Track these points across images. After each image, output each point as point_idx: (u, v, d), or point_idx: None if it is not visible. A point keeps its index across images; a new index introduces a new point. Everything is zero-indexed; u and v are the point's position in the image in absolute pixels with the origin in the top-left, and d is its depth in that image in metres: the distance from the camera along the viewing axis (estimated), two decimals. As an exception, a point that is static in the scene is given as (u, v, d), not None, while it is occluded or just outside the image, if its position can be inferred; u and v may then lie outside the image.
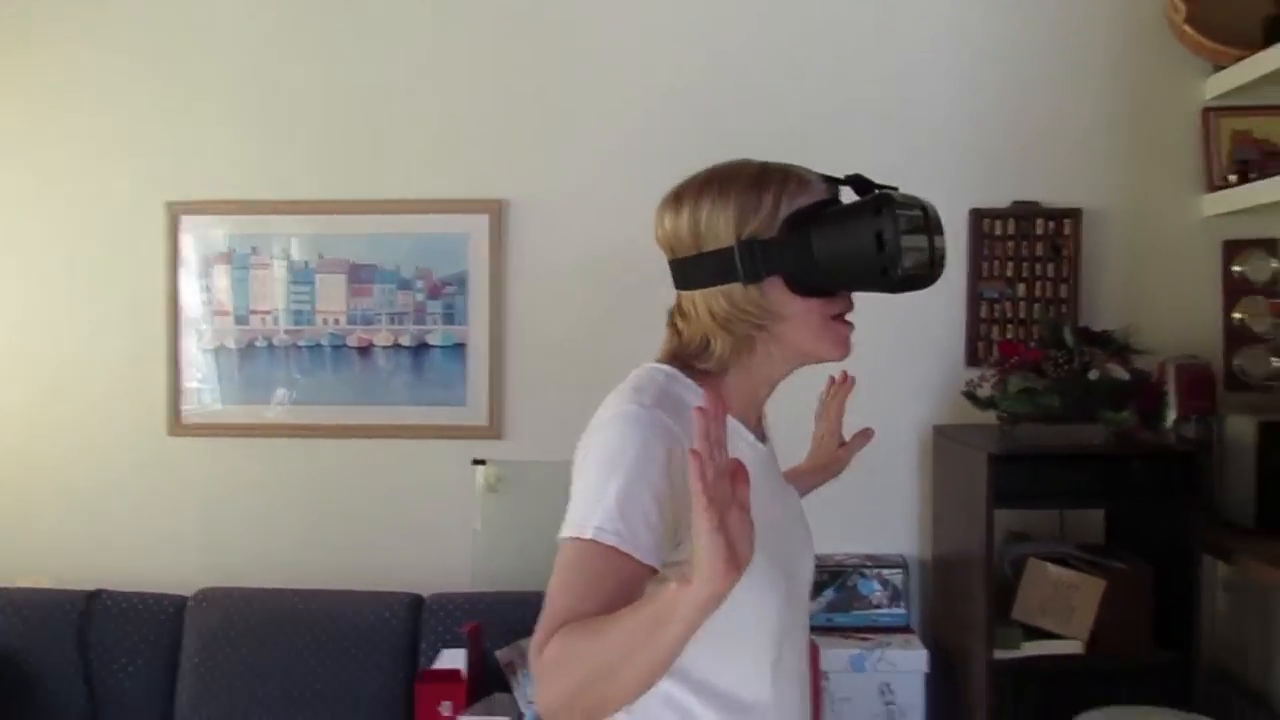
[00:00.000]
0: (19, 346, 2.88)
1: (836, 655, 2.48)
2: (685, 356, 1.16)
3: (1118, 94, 2.72)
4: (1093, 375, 2.48)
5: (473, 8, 2.80)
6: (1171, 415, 2.52)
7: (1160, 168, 2.73)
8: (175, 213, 2.83)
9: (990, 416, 2.53)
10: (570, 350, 2.76)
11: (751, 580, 0.87)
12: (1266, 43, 2.45)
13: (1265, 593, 2.28)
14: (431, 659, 2.44)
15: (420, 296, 2.81)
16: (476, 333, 2.80)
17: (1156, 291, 2.72)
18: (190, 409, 2.84)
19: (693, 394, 1.10)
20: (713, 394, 0.90)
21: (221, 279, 2.84)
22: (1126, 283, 2.72)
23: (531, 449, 2.75)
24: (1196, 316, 2.70)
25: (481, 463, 2.76)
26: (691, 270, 1.14)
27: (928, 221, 1.09)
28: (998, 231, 2.73)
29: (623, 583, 0.97)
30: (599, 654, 0.91)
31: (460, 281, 2.80)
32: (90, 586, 2.66)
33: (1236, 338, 2.67)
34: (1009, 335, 2.71)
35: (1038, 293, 2.73)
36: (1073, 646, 2.35)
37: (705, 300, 1.13)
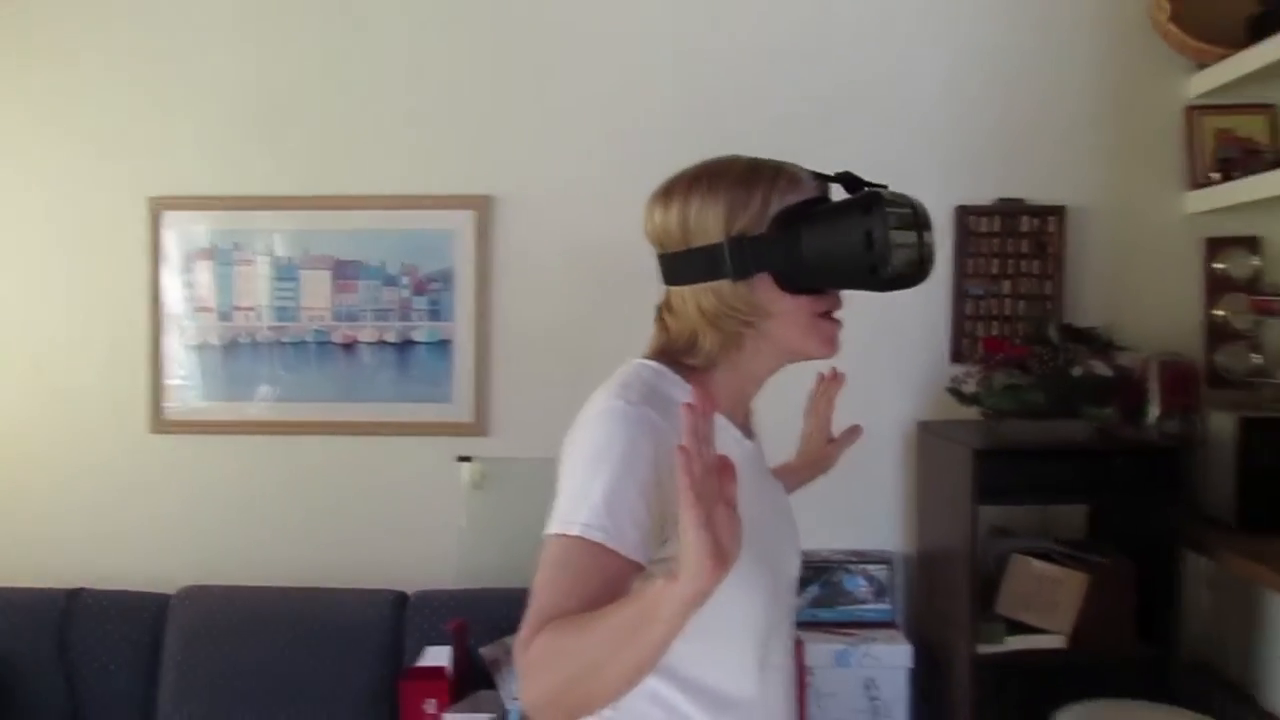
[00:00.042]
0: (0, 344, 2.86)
1: (821, 651, 2.49)
2: (673, 352, 1.15)
3: (1102, 92, 2.74)
4: (1076, 372, 2.50)
5: (458, 1, 2.79)
6: (1154, 412, 2.54)
7: (1143, 165, 2.74)
8: (157, 208, 2.80)
9: (975, 413, 2.54)
10: (556, 347, 2.76)
11: (737, 577, 0.86)
12: (1249, 41, 2.46)
13: (1245, 588, 2.30)
14: (416, 656, 2.43)
15: (405, 293, 2.80)
16: (462, 329, 2.79)
17: (1139, 288, 2.73)
18: (173, 406, 2.81)
19: (680, 390, 1.10)
20: (700, 390, 0.90)
21: (204, 275, 2.82)
22: (1110, 279, 2.74)
23: (517, 446, 2.74)
24: (1179, 313, 2.72)
25: (467, 460, 2.75)
26: (680, 266, 1.14)
27: (917, 220, 1.08)
28: (982, 229, 2.74)
29: (609, 579, 0.97)
30: (584, 651, 0.91)
31: (446, 278, 2.79)
32: (72, 585, 2.64)
33: (1218, 334, 2.70)
34: (994, 332, 2.72)
35: (1022, 289, 2.74)
36: (1055, 641, 2.36)
37: (694, 296, 1.13)
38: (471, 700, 2.26)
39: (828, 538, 2.68)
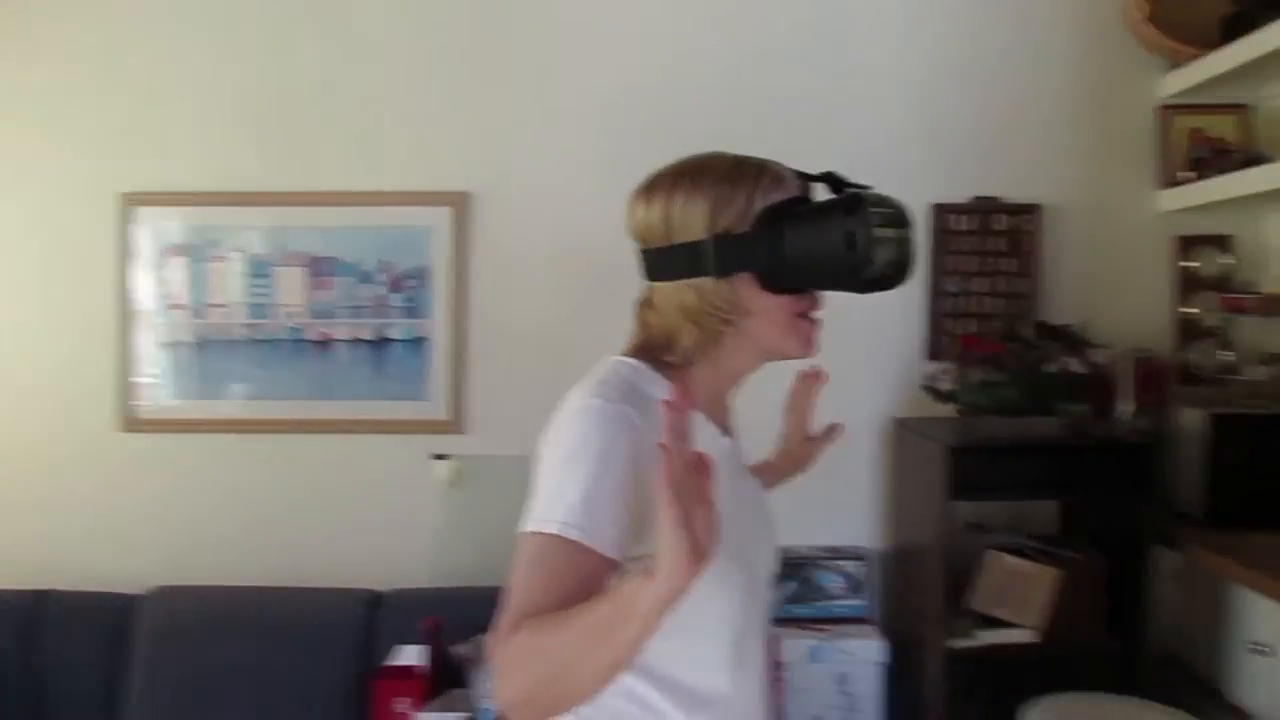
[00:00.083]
0: (-33, 341, 2.81)
1: (795, 646, 2.50)
2: (652, 350, 1.15)
3: (1077, 91, 2.76)
4: (1051, 369, 2.52)
5: (434, -3, 2.78)
6: (1126, 408, 2.56)
7: (1118, 164, 2.77)
8: (129, 204, 2.77)
9: (950, 409, 2.55)
10: (534, 344, 2.75)
11: (713, 575, 0.87)
12: (1223, 41, 2.49)
13: (1214, 582, 2.32)
14: (389, 656, 2.42)
15: (382, 290, 2.79)
16: (439, 327, 2.78)
17: (1113, 286, 2.76)
18: (144, 404, 2.79)
19: (659, 387, 1.10)
20: (679, 388, 0.90)
21: (178, 272, 2.79)
22: (1084, 277, 2.76)
23: (494, 443, 2.74)
24: (1151, 310, 2.75)
25: (443, 458, 2.74)
26: (662, 262, 1.13)
27: (900, 223, 1.08)
28: (959, 227, 2.75)
29: (585, 577, 0.97)
30: (560, 649, 0.91)
31: (423, 275, 2.78)
32: (40, 586, 2.61)
33: (1189, 332, 2.73)
34: (970, 329, 2.73)
35: (998, 287, 2.76)
36: (1027, 635, 2.38)
37: (675, 293, 1.12)
38: (445, 699, 2.25)
39: (803, 534, 2.69)
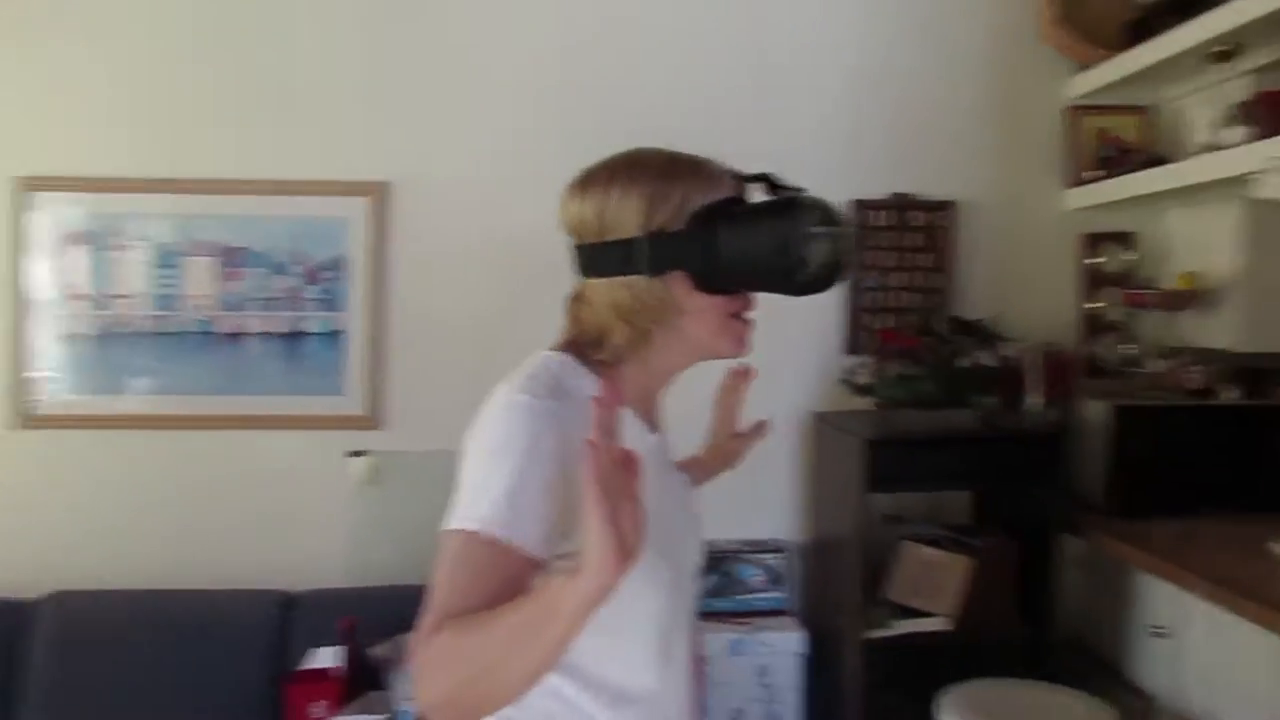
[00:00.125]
0: None
1: (716, 640, 2.51)
2: (581, 345, 1.14)
3: (990, 91, 2.82)
4: (964, 362, 2.58)
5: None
6: (1034, 401, 2.64)
7: (1028, 163, 2.85)
8: (25, 189, 2.65)
9: (868, 403, 2.60)
10: (456, 338, 2.71)
11: (639, 572, 0.86)
12: (1127, 45, 2.57)
13: (1117, 568, 2.41)
14: (304, 659, 2.36)
15: (296, 282, 2.71)
16: (356, 320, 2.72)
17: (1023, 281, 2.84)
18: (41, 400, 2.66)
19: (587, 384, 1.09)
20: (609, 385, 0.89)
21: (78, 261, 2.67)
22: (996, 272, 2.83)
23: (413, 439, 2.69)
24: (1059, 305, 2.84)
25: (359, 454, 2.68)
26: (595, 258, 1.12)
27: (834, 226, 1.08)
28: (878, 223, 2.79)
29: (509, 576, 0.95)
30: (484, 650, 0.89)
31: (339, 266, 2.71)
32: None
33: (1094, 326, 2.82)
34: (888, 324, 2.78)
35: (915, 283, 2.81)
36: (942, 623, 2.44)
37: (608, 290, 1.11)
38: (362, 702, 2.20)
39: (723, 528, 2.70)
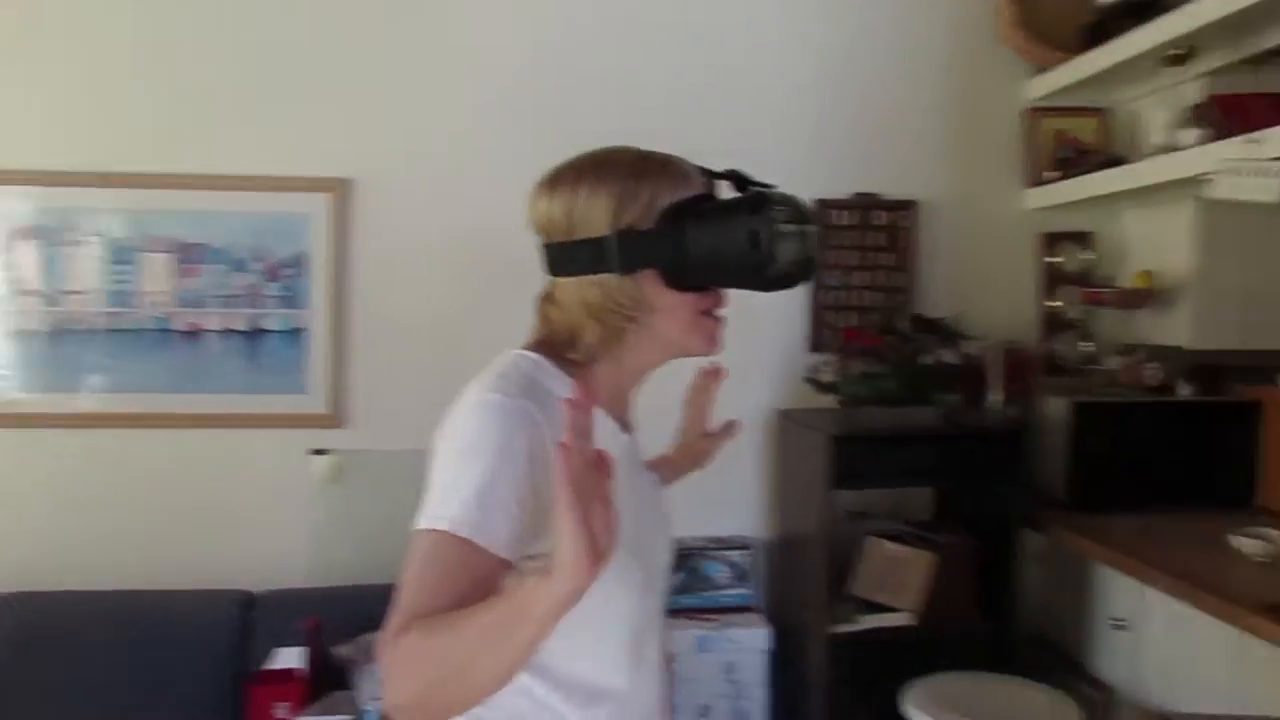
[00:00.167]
0: None
1: (683, 637, 2.52)
2: (553, 345, 1.13)
3: (951, 93, 2.86)
4: (926, 360, 2.61)
5: (312, -27, 2.67)
6: (995, 398, 2.67)
7: (988, 163, 2.89)
8: (-28, 182, 2.58)
9: (831, 401, 2.61)
10: (422, 336, 2.69)
11: (610, 572, 0.85)
12: (1085, 48, 2.62)
13: (1077, 562, 2.45)
14: (267, 659, 2.32)
15: (256, 279, 2.67)
16: (318, 317, 2.68)
17: (983, 280, 2.88)
18: (-11, 398, 2.60)
19: (559, 383, 1.08)
20: (582, 385, 0.88)
21: (28, 256, 2.61)
22: (957, 271, 2.87)
23: (376, 438, 2.66)
24: (1018, 304, 2.88)
25: (321, 453, 2.65)
26: (565, 257, 1.11)
27: (803, 222, 1.09)
28: (841, 222, 2.81)
29: (478, 577, 0.94)
30: (453, 651, 0.88)
31: (300, 263, 2.68)
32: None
33: (1053, 324, 2.86)
34: (851, 322, 2.80)
35: (878, 281, 2.83)
36: (905, 618, 2.46)
37: (578, 289, 1.10)
38: (326, 702, 2.17)
39: (689, 525, 2.69)
